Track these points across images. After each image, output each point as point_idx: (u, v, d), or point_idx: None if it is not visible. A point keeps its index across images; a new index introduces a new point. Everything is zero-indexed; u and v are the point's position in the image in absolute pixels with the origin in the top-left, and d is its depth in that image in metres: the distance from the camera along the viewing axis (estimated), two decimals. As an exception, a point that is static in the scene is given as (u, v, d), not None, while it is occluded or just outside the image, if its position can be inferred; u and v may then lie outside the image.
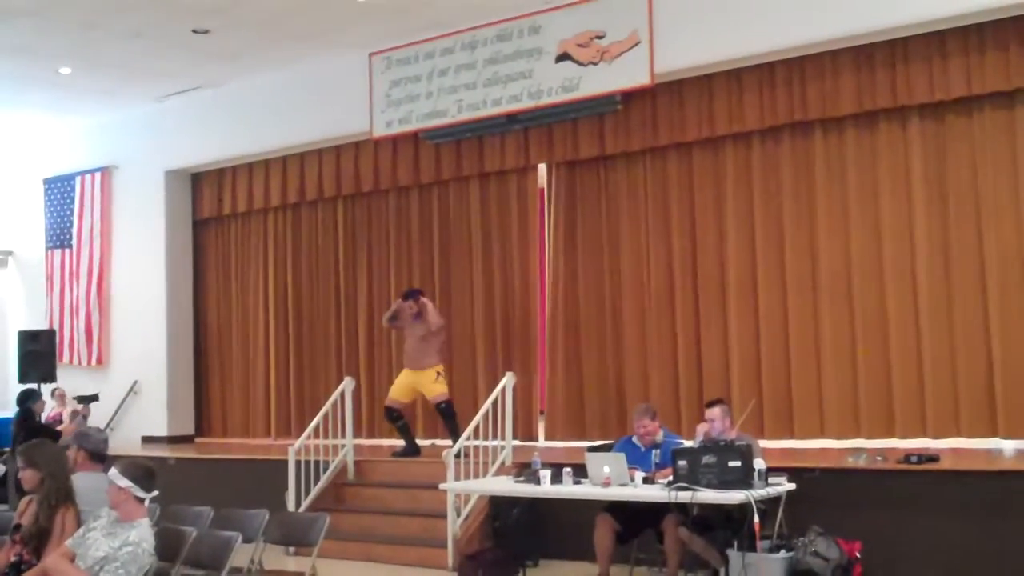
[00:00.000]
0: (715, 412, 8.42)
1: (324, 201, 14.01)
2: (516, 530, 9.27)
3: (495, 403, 10.39)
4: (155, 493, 5.93)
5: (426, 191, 13.14)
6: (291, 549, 9.20)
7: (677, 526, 7.84)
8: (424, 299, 11.38)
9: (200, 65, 13.21)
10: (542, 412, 12.08)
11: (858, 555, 7.58)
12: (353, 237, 13.78)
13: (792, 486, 7.88)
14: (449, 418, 11.06)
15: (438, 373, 11.18)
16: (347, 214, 13.88)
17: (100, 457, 7.02)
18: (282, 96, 13.67)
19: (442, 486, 9.46)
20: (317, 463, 11.18)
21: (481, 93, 11.86)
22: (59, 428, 12.21)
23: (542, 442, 11.84)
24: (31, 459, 6.35)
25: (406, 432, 11.44)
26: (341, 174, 13.63)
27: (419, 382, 11.26)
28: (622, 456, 8.12)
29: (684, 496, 7.39)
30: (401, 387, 11.42)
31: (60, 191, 16.21)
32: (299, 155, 13.95)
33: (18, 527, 6.25)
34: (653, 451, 8.41)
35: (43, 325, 15.79)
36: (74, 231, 15.98)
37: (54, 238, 16.26)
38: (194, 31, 11.94)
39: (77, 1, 10.95)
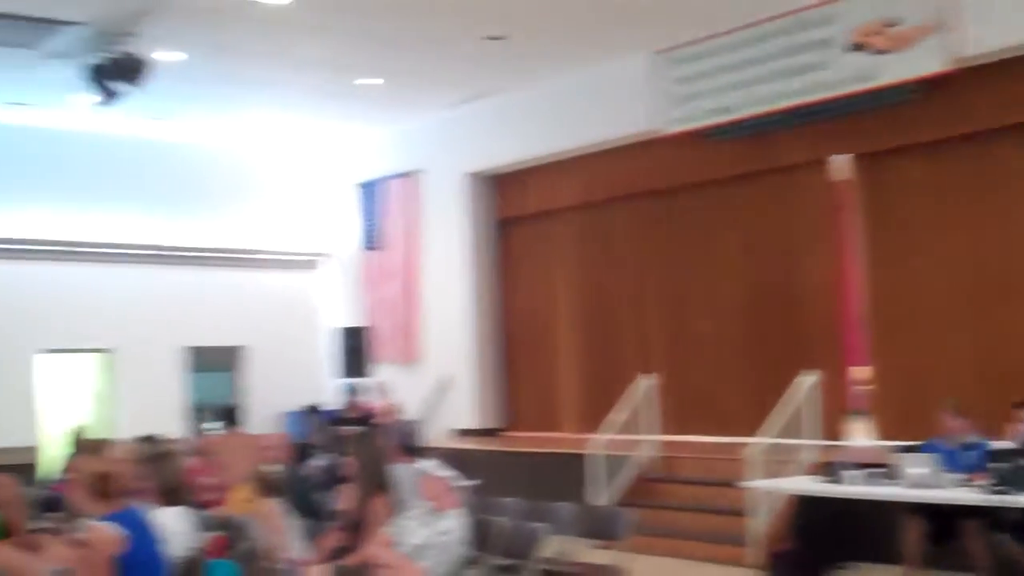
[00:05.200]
0: (1021, 414, 8.05)
1: (616, 200, 14.13)
2: (821, 530, 9.11)
3: (797, 402, 10.22)
4: (474, 482, 6.21)
5: (713, 188, 13.04)
6: (595, 542, 9.39)
7: (985, 531, 7.53)
8: None
9: (494, 71, 13.61)
10: (852, 411, 11.68)
11: None
12: (645, 235, 13.85)
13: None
14: None
15: None
16: (639, 212, 13.95)
17: (412, 449, 7.41)
18: (572, 97, 13.91)
19: (745, 484, 9.43)
20: (619, 458, 11.32)
21: (768, 87, 11.67)
22: (373, 421, 12.90)
23: (850, 441, 11.53)
24: (350, 449, 6.80)
25: None
26: (631, 173, 13.70)
27: None
28: (931, 457, 7.87)
29: (1000, 500, 7.10)
30: None
31: (371, 195, 17.08)
32: (590, 155, 14.11)
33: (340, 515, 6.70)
34: (964, 453, 8.09)
35: (358, 323, 16.60)
36: (385, 233, 16.82)
37: (367, 240, 17.14)
38: (489, 38, 12.29)
39: (382, 16, 11.46)
